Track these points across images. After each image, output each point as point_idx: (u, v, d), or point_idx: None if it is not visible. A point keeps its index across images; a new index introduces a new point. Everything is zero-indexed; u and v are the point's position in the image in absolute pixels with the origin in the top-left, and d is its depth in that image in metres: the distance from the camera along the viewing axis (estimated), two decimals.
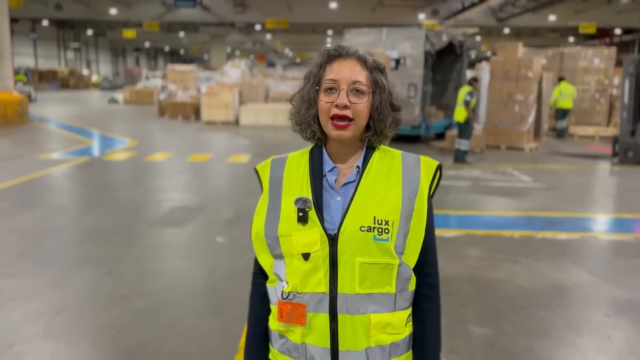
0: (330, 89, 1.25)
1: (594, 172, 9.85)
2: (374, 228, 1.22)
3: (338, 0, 28.29)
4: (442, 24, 27.38)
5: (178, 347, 3.23)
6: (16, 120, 16.02)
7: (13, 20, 23.14)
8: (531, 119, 12.27)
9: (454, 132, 10.94)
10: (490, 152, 11.64)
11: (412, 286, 1.29)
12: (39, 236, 5.34)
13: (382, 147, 1.34)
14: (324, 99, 1.26)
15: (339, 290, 1.23)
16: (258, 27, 34.76)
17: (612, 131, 14.57)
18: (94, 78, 50.39)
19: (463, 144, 9.99)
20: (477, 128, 11.98)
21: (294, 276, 1.25)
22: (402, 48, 12.39)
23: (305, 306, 1.24)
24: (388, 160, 1.31)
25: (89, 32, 46.05)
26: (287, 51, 60.01)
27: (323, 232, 1.23)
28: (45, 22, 36.24)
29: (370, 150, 1.32)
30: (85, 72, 49.99)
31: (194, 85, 22.35)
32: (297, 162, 1.33)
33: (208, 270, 4.52)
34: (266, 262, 1.32)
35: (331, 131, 1.26)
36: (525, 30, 35.54)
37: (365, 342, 1.24)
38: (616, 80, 15.65)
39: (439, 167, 1.32)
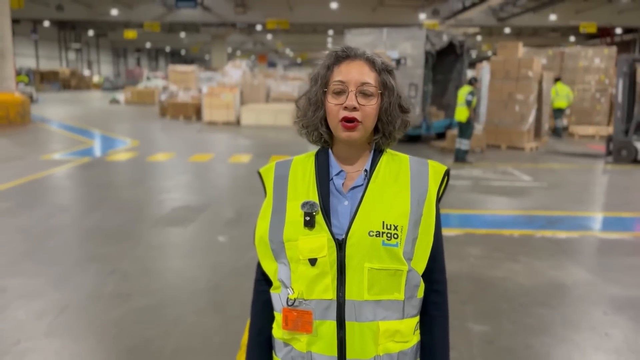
0: (339, 91, 1.21)
1: (591, 172, 9.88)
2: (383, 233, 1.18)
3: (339, 1, 28.32)
4: (443, 24, 27.37)
5: (181, 344, 3.27)
6: (18, 121, 16.09)
7: (14, 21, 23.23)
8: (531, 118, 12.30)
9: (455, 131, 10.97)
10: (490, 152, 11.67)
11: (420, 293, 1.26)
12: (43, 236, 5.39)
13: (389, 150, 1.31)
14: (332, 101, 1.22)
15: (346, 297, 1.19)
16: (259, 27, 34.78)
17: (612, 130, 14.60)
18: (95, 79, 50.47)
19: (464, 144, 10.02)
20: (478, 128, 12.01)
21: (300, 282, 1.21)
22: (402, 48, 12.43)
23: (311, 313, 1.20)
24: (396, 164, 1.28)
25: (90, 32, 46.08)
26: (288, 51, 60.06)
27: (331, 237, 1.19)
28: (46, 23, 36.27)
29: (377, 153, 1.28)
30: (86, 72, 50.01)
31: (195, 86, 22.42)
32: (303, 166, 1.30)
33: (210, 268, 4.57)
34: (270, 267, 1.28)
35: (341, 133, 1.22)
36: (526, 30, 35.51)
37: (374, 350, 1.21)
38: None
39: (447, 173, 1.29)
